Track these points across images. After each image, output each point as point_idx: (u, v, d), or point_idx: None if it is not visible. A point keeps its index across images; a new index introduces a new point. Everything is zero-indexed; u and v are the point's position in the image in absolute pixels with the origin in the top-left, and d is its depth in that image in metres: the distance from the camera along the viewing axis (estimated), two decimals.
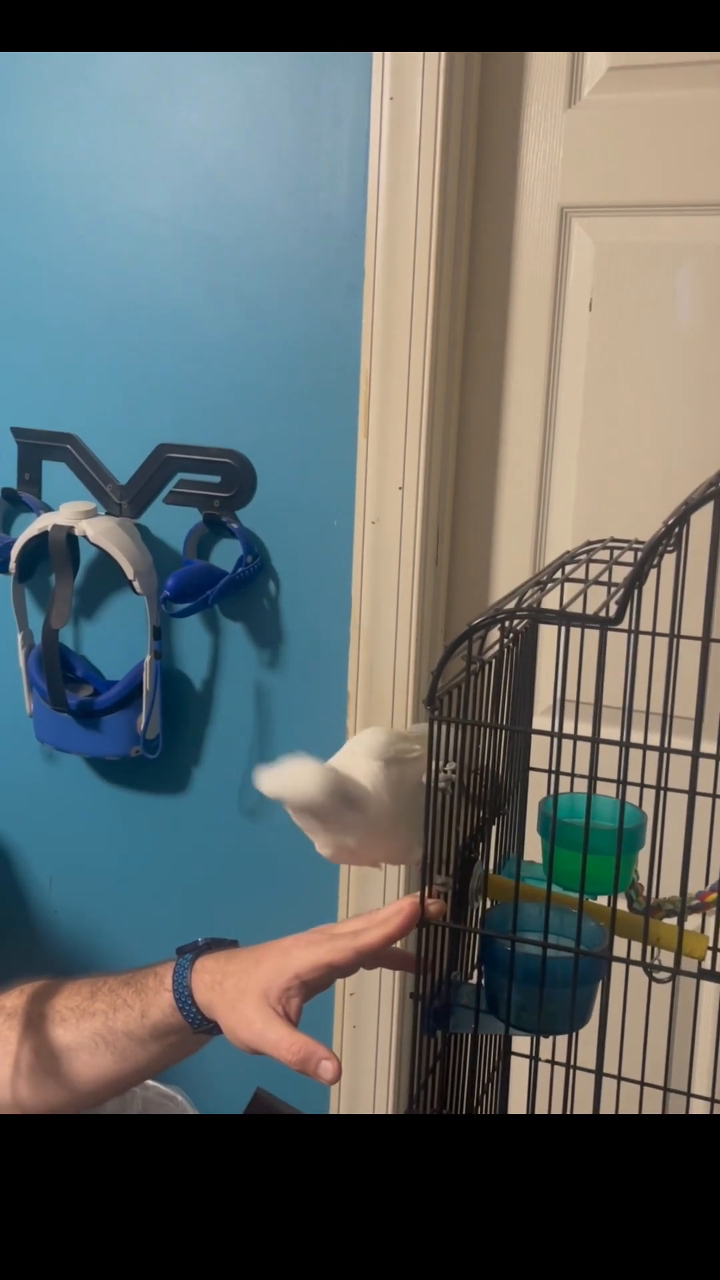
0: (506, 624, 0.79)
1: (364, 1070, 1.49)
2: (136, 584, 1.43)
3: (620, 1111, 0.92)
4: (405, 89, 1.25)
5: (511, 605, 0.75)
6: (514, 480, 1.37)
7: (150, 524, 1.49)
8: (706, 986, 0.90)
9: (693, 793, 0.72)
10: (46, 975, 0.94)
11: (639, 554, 0.73)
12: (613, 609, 0.68)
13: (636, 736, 0.71)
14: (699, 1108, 1.07)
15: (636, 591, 0.69)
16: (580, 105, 1.27)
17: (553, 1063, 0.91)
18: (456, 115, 1.27)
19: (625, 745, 0.68)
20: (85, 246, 1.47)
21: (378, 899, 1.43)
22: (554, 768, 0.71)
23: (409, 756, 0.81)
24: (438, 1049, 0.80)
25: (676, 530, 0.72)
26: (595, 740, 0.70)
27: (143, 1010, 0.85)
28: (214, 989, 0.82)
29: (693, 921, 0.85)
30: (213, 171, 1.39)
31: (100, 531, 1.42)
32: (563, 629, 0.70)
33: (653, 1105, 0.93)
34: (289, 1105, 1.53)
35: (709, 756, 0.73)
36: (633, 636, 0.71)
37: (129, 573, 1.42)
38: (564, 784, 0.82)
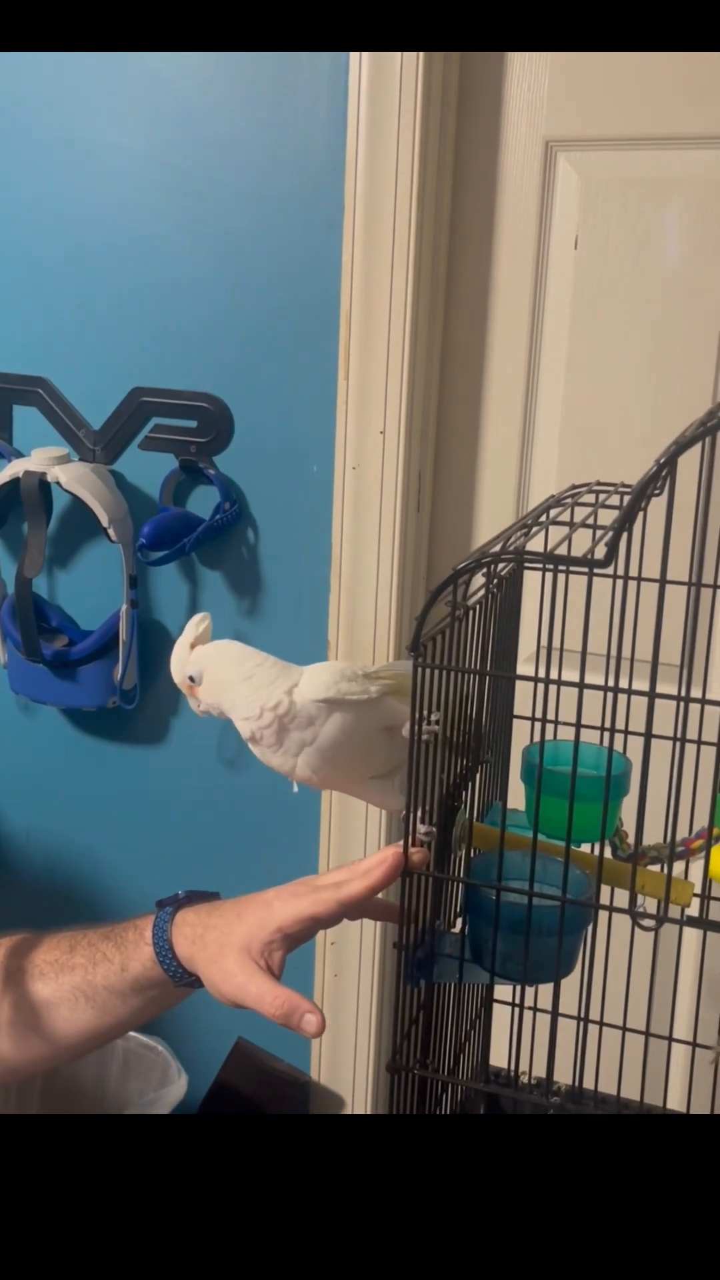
0: (492, 568, 0.77)
1: (345, 1018, 1.49)
2: (111, 531, 1.40)
3: (602, 1056, 0.92)
4: None
5: (493, 549, 0.73)
6: (497, 423, 1.34)
7: (125, 470, 1.46)
8: (688, 931, 0.90)
9: (681, 739, 0.70)
10: (25, 929, 0.93)
11: (626, 497, 0.71)
12: (601, 551, 0.67)
13: (620, 682, 0.70)
14: (680, 1052, 1.08)
15: (626, 534, 0.67)
16: None
17: (536, 1009, 0.91)
18: None
19: (614, 691, 0.67)
20: (54, 182, 1.42)
21: (359, 847, 1.42)
22: (541, 715, 0.70)
23: (351, 698, 0.79)
24: (421, 999, 0.79)
25: (664, 472, 0.70)
26: (581, 685, 0.69)
27: (122, 964, 0.84)
28: (195, 942, 0.81)
29: (677, 868, 0.85)
30: (186, 102, 1.34)
31: (74, 478, 1.39)
32: (551, 573, 0.68)
33: (634, 1050, 0.93)
34: (270, 1054, 1.54)
35: (696, 701, 0.72)
36: (622, 580, 0.70)
37: (104, 520, 1.40)
38: (548, 731, 0.81)
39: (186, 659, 0.83)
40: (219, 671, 0.82)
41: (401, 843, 0.75)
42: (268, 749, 0.81)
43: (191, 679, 0.83)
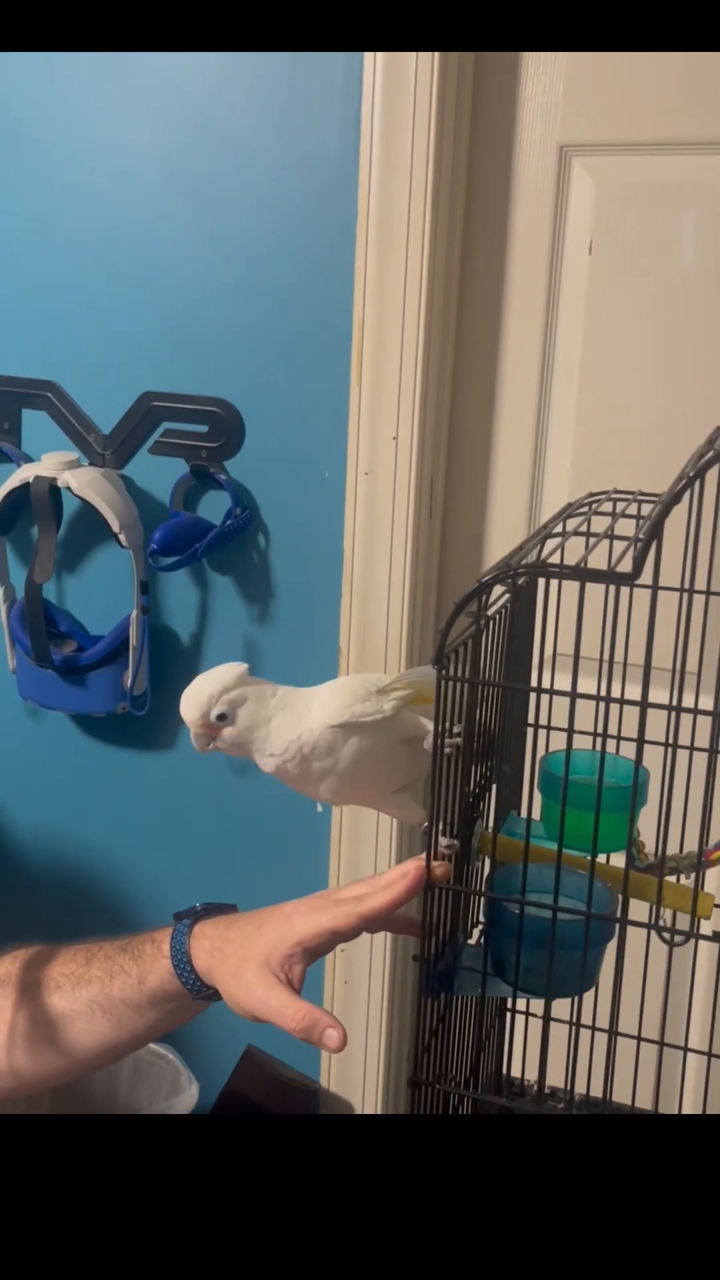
0: (514, 579, 0.77)
1: (356, 1026, 1.48)
2: (122, 537, 1.40)
3: (616, 1065, 0.91)
4: None
5: (517, 560, 0.72)
6: (511, 430, 1.34)
7: (135, 475, 1.45)
8: (702, 940, 0.89)
9: (714, 750, 0.70)
10: (32, 934, 0.92)
11: (650, 506, 0.70)
12: (627, 564, 0.66)
13: (633, 692, 0.69)
14: (695, 1062, 1.07)
15: (655, 546, 0.66)
16: None
17: (552, 1019, 0.90)
18: None
19: (644, 705, 0.66)
20: (64, 185, 1.41)
21: (369, 857, 1.42)
22: (570, 726, 0.69)
23: (366, 720, 0.78)
24: (440, 1011, 0.78)
25: (692, 485, 0.69)
26: (605, 699, 0.68)
27: (140, 977, 0.83)
28: (214, 955, 0.80)
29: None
30: (198, 105, 1.33)
31: (84, 483, 1.38)
32: (580, 584, 0.67)
33: (648, 1060, 0.92)
34: (280, 1062, 1.54)
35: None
36: (646, 590, 0.69)
37: (114, 525, 1.39)
38: (555, 741, 0.80)
39: (216, 700, 0.81)
40: (253, 709, 0.81)
41: (423, 856, 0.74)
42: (293, 780, 0.81)
43: (222, 717, 0.81)
